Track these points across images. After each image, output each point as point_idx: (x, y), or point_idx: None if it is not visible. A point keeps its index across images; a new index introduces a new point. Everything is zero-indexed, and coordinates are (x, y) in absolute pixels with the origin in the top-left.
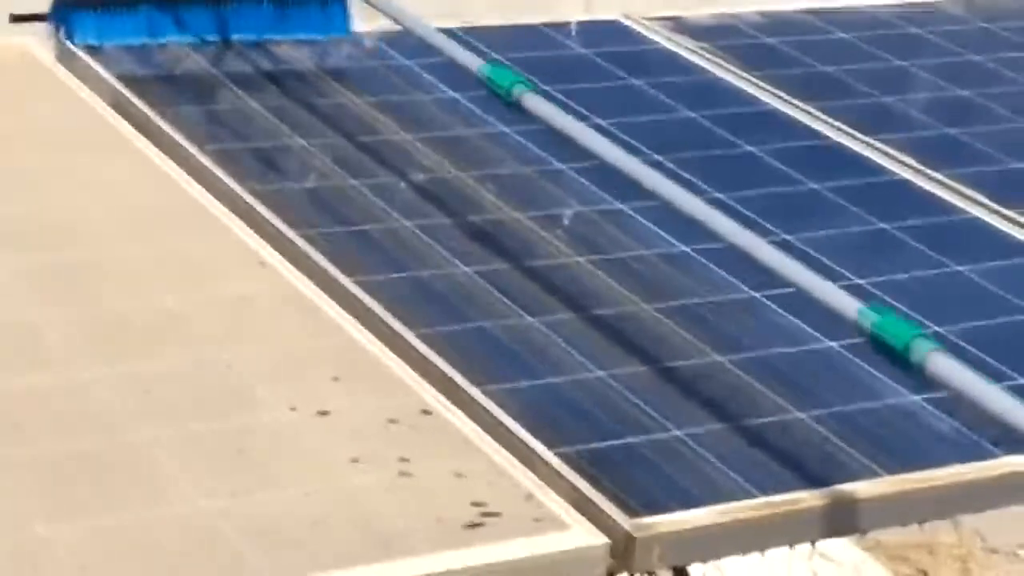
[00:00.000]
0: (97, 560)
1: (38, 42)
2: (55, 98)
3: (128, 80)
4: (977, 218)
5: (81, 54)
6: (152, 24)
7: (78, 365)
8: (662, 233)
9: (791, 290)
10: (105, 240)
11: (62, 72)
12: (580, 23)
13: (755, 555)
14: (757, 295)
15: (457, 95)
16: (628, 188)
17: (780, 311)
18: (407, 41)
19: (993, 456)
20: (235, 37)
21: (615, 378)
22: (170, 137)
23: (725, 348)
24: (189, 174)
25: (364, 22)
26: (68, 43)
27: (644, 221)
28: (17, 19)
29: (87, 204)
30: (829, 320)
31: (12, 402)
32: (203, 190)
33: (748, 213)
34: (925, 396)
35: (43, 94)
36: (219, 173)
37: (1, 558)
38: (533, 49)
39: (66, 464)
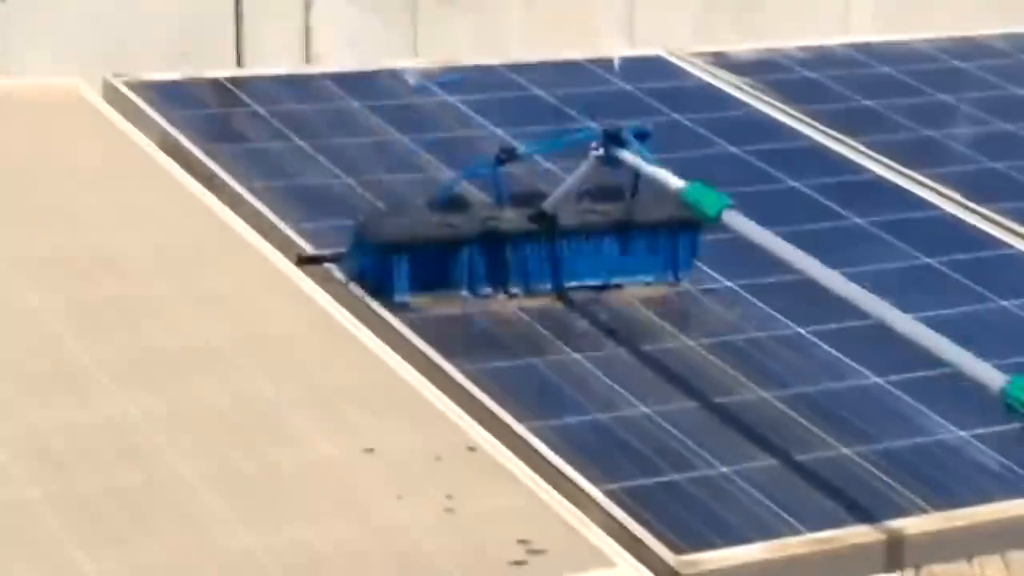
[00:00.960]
0: None
1: (85, 80)
2: (102, 135)
3: (173, 118)
4: (1023, 252)
5: (129, 93)
6: (474, 271)
7: (118, 400)
8: (705, 268)
9: (836, 326)
10: (147, 275)
11: (109, 110)
12: (623, 58)
13: None
14: (802, 331)
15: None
16: None
17: (825, 347)
18: None
19: None
20: (572, 283)
21: (660, 414)
22: (215, 174)
23: (770, 384)
24: (234, 211)
25: None
26: (374, 301)
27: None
28: (304, 261)
29: (130, 239)
30: (875, 355)
31: (53, 438)
32: (247, 227)
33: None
34: (972, 432)
35: (90, 132)
36: (263, 210)
37: None
38: (576, 85)
39: (107, 499)
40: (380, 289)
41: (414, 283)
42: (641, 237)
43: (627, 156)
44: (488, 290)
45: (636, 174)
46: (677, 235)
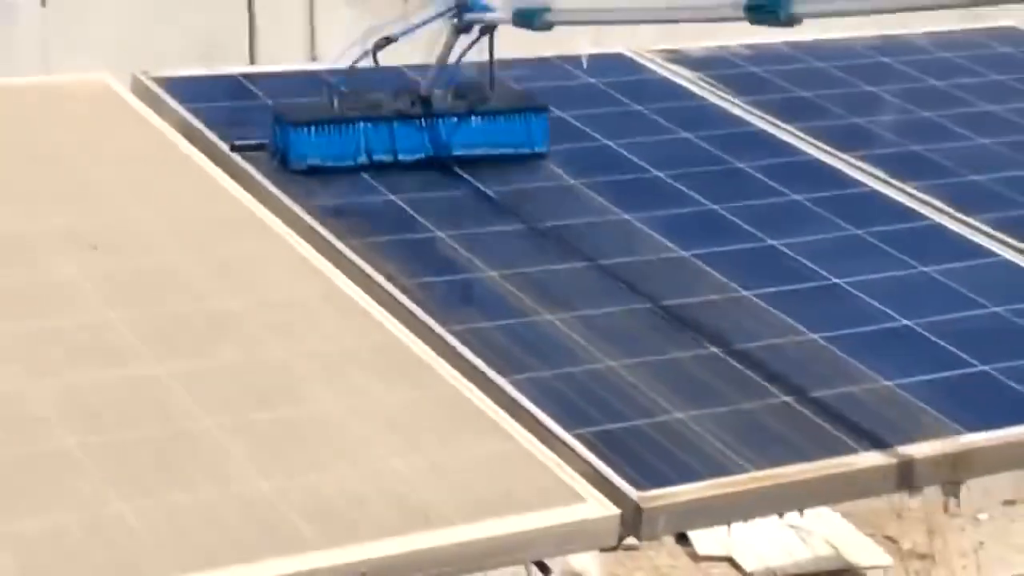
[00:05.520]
0: (167, 535)
1: (114, 76)
2: (130, 125)
3: (195, 110)
4: (940, 224)
5: (155, 87)
6: (369, 143)
7: (147, 361)
8: (665, 241)
9: (778, 288)
10: (170, 249)
11: (136, 102)
12: (590, 56)
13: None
14: (747, 294)
15: None
16: (636, 197)
17: (770, 308)
18: None
19: (957, 434)
20: (448, 153)
21: (625, 367)
22: (232, 159)
23: (720, 340)
24: (247, 191)
25: None
26: (286, 167)
27: (649, 230)
28: (236, 149)
29: (156, 217)
30: (817, 315)
31: (89, 395)
32: (260, 205)
33: (737, 221)
34: (899, 382)
35: (120, 122)
36: (274, 190)
37: (82, 533)
38: (549, 79)
39: (138, 449)
40: (295, 157)
41: (321, 150)
42: (500, 118)
43: (473, 15)
44: (381, 157)
45: (491, 72)
46: (529, 116)
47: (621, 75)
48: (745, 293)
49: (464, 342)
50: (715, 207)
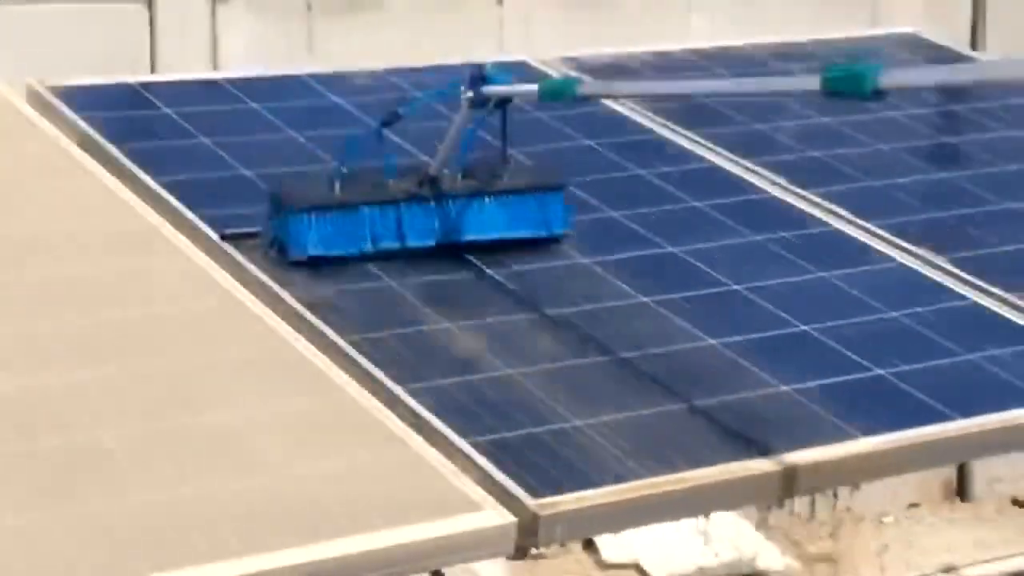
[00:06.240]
0: (59, 546)
1: (8, 86)
2: (25, 135)
3: (90, 120)
4: (838, 231)
5: (50, 96)
6: (374, 230)
7: (41, 372)
8: (564, 248)
9: (677, 295)
10: (66, 260)
11: (31, 112)
12: (493, 64)
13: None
14: (646, 300)
15: None
16: None
17: (669, 314)
18: None
19: (853, 438)
20: (460, 239)
21: (521, 375)
22: (128, 169)
23: (618, 346)
24: (144, 200)
25: None
26: (284, 257)
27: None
28: (227, 238)
29: (52, 228)
30: (712, 322)
31: None
32: (157, 215)
33: (637, 228)
34: (796, 387)
35: (13, 132)
36: (171, 200)
37: None
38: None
39: (31, 462)
40: (295, 246)
41: (324, 239)
42: (514, 198)
43: (492, 88)
44: (388, 243)
45: (504, 148)
46: (545, 196)
47: (523, 82)
48: (644, 299)
49: (362, 352)
50: (615, 214)
